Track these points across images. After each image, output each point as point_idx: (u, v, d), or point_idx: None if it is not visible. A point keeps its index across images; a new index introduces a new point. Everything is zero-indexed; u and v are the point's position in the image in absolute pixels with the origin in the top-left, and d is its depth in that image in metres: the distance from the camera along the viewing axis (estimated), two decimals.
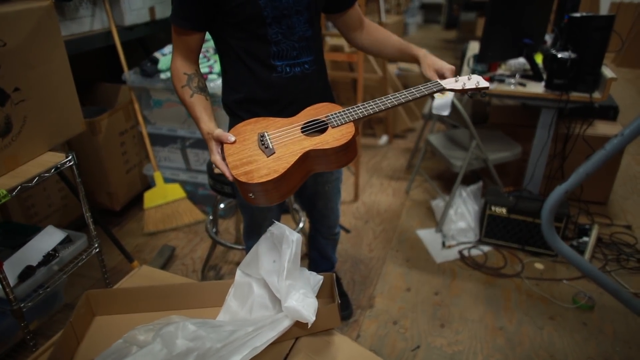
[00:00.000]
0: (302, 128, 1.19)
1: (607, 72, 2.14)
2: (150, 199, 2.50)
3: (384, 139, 3.67)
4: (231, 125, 1.34)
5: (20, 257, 1.47)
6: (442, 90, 1.22)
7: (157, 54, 2.42)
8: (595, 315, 1.93)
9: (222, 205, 2.31)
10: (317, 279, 1.20)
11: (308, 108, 1.24)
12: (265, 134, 1.18)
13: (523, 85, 2.26)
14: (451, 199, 2.45)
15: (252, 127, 1.21)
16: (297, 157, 1.12)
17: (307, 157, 1.15)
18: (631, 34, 5.49)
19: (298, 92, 1.33)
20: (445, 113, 1.28)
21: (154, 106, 2.47)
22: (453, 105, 2.20)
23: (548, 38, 2.84)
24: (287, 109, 1.30)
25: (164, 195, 2.52)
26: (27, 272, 1.45)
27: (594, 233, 2.34)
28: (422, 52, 1.35)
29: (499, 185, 2.49)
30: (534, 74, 2.34)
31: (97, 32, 2.26)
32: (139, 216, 2.60)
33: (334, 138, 1.15)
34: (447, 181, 2.98)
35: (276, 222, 1.15)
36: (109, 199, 2.50)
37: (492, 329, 1.87)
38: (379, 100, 1.20)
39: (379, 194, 2.89)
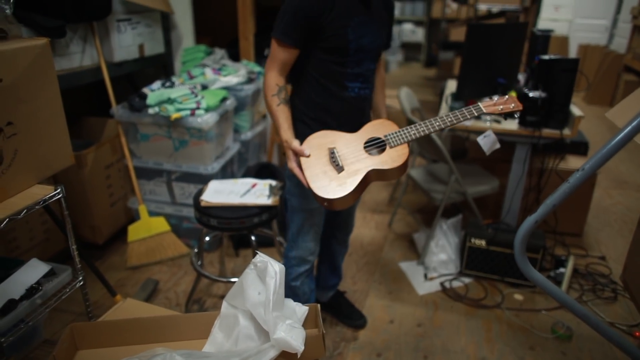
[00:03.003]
0: (364, 145, 1.45)
1: (576, 110, 2.27)
2: (134, 232, 2.50)
3: None
4: (299, 131, 1.58)
5: (2, 291, 1.45)
6: (482, 113, 1.43)
7: (145, 90, 2.47)
8: (574, 344, 1.97)
9: (207, 238, 2.32)
10: (302, 309, 1.22)
11: (367, 125, 1.51)
12: (335, 151, 1.44)
13: (498, 122, 2.37)
14: (432, 232, 2.51)
15: (321, 142, 1.47)
16: (362, 176, 1.38)
17: (369, 174, 1.40)
18: (599, 74, 5.79)
19: (358, 108, 1.61)
20: (498, 146, 1.52)
21: (140, 140, 2.50)
22: (432, 141, 2.30)
23: (521, 77, 2.99)
24: (349, 120, 1.58)
25: (148, 228, 2.52)
26: (9, 306, 1.43)
27: (570, 264, 2.41)
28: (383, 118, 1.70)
29: (478, 218, 2.56)
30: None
31: (86, 68, 2.31)
32: (122, 250, 2.59)
33: (391, 159, 1.41)
34: (428, 214, 3.05)
35: (259, 254, 1.18)
36: (92, 232, 2.49)
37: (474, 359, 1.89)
38: (428, 122, 1.43)
39: (362, 227, 2.93)
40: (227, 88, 2.67)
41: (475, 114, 1.41)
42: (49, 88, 1.48)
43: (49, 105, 1.50)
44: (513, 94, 2.70)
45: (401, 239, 2.80)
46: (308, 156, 1.43)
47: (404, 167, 1.41)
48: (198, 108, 2.35)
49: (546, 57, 2.23)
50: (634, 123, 0.88)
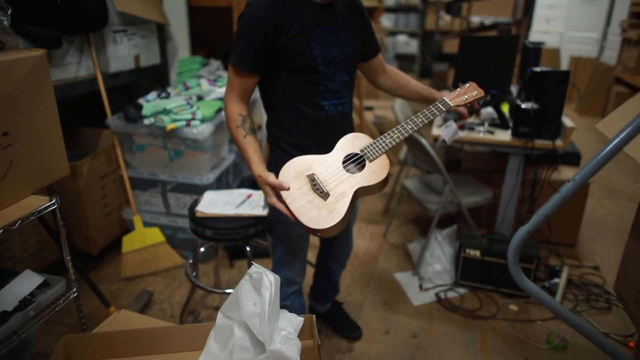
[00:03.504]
0: (343, 164, 1.37)
1: (567, 121, 2.30)
2: (129, 243, 2.49)
3: None
4: (280, 158, 1.46)
5: None
6: (449, 107, 1.40)
7: (141, 100, 2.48)
8: (569, 355, 1.98)
9: (202, 249, 2.32)
10: (297, 320, 1.22)
11: (341, 141, 1.41)
12: (315, 177, 1.34)
13: (491, 133, 2.40)
14: (427, 242, 2.52)
15: (298, 170, 1.36)
16: (350, 197, 1.31)
17: (356, 193, 1.33)
18: (590, 86, 5.87)
19: (338, 128, 1.49)
20: (460, 135, 1.51)
21: (136, 150, 2.50)
22: (426, 152, 2.31)
23: (514, 89, 3.03)
24: (330, 142, 1.43)
25: (143, 239, 2.51)
26: (2, 318, 1.42)
27: (564, 274, 2.42)
28: (441, 95, 1.54)
29: (473, 228, 2.57)
30: (501, 123, 2.49)
31: (82, 79, 2.32)
32: (117, 261, 2.57)
33: (374, 173, 1.35)
34: (423, 225, 3.06)
35: (254, 264, 1.19)
36: (86, 243, 2.47)
37: None
38: (400, 127, 1.38)
39: (357, 237, 2.94)
40: (222, 99, 2.68)
41: (444, 109, 1.39)
42: (46, 99, 1.49)
43: (45, 116, 1.50)
44: (506, 105, 2.74)
45: (396, 249, 2.81)
46: (288, 189, 1.32)
47: (387, 178, 1.37)
48: (193, 119, 2.36)
49: (538, 69, 2.26)
50: (622, 135, 0.90)
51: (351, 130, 1.58)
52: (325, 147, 1.43)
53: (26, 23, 1.98)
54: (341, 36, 1.42)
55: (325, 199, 1.30)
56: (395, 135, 1.37)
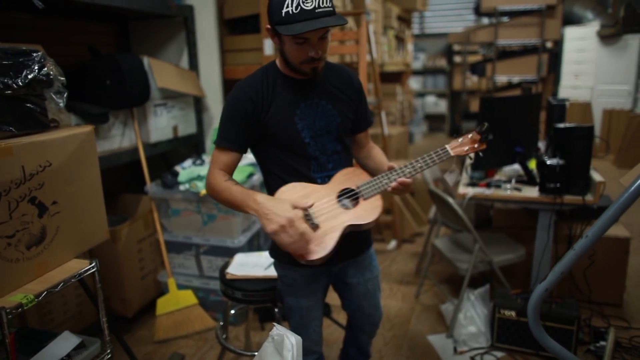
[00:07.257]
0: (337, 198, 1.38)
1: (596, 176, 2.28)
2: (163, 305, 2.54)
3: (392, 243, 3.74)
4: None
5: None
6: (449, 156, 1.41)
7: (177, 167, 2.64)
8: None
9: (232, 311, 2.34)
10: None
11: (338, 174, 1.44)
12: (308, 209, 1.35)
13: (519, 190, 2.39)
14: (459, 303, 2.45)
15: (292, 197, 1.37)
16: (339, 233, 1.33)
17: (346, 229, 1.35)
18: (626, 138, 5.76)
19: None
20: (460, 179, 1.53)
21: (172, 215, 2.63)
22: (453, 211, 2.32)
23: (542, 145, 3.03)
24: None
25: (177, 302, 2.57)
26: None
27: (611, 336, 2.28)
28: (390, 165, 1.49)
29: (507, 288, 2.49)
30: (528, 179, 2.48)
31: (125, 149, 2.50)
32: (151, 323, 2.62)
33: (366, 212, 1.37)
34: (455, 284, 2.99)
35: (276, 325, 1.21)
36: (123, 305, 2.55)
37: None
38: (399, 169, 1.39)
39: (388, 298, 2.89)
40: (253, 164, 2.82)
41: (444, 158, 1.39)
42: (91, 170, 1.63)
43: (90, 185, 1.64)
44: (533, 162, 2.73)
45: (429, 310, 2.74)
46: (311, 206, 1.34)
47: (378, 219, 1.38)
48: None
49: (561, 125, 2.28)
50: (633, 188, 0.91)
51: None
52: None
53: (79, 101, 2.20)
54: (327, 107, 1.44)
55: (314, 230, 1.32)
56: (392, 177, 1.38)
